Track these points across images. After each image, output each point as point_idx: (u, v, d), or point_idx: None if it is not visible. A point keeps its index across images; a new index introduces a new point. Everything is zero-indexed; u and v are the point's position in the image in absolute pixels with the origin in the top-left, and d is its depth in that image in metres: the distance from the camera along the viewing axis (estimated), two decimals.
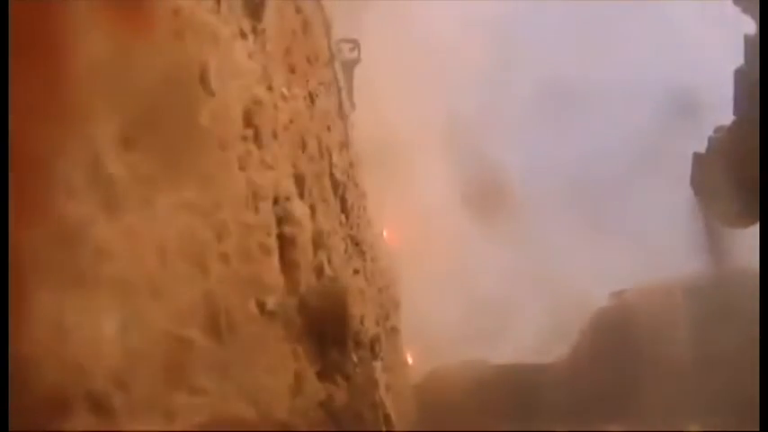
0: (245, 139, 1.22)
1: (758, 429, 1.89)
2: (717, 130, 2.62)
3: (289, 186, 1.45)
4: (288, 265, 1.28)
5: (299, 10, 2.84)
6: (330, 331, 1.36)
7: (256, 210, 1.18)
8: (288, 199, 1.31)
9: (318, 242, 1.46)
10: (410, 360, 4.60)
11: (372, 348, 2.31)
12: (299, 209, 1.36)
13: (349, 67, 4.57)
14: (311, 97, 2.47)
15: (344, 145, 3.17)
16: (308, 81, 2.54)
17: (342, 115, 3.58)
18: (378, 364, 2.51)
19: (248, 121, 1.26)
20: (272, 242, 1.23)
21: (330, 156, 2.41)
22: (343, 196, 2.44)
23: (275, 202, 1.28)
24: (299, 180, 1.60)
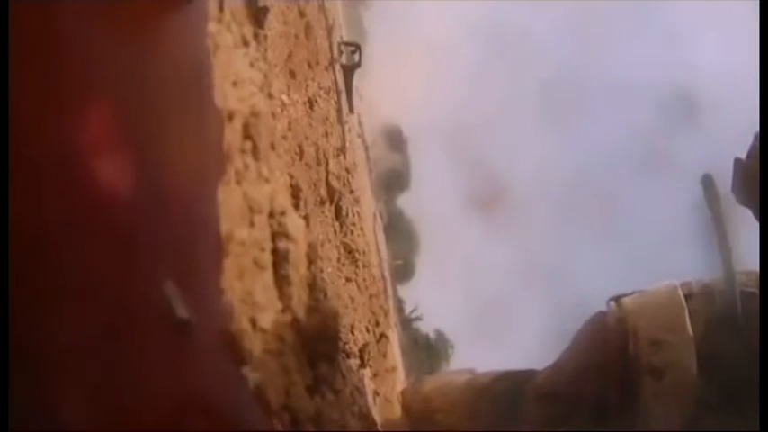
0: (242, 152, 1.22)
1: (758, 429, 1.88)
2: (757, 137, 2.60)
3: (284, 199, 1.45)
4: (280, 280, 1.28)
5: (302, 13, 2.83)
6: (321, 348, 1.35)
7: (251, 224, 1.18)
8: (283, 213, 1.30)
9: (312, 256, 1.46)
10: (401, 365, 4.59)
11: (362, 357, 2.30)
12: (294, 223, 1.35)
13: (349, 70, 4.56)
14: (311, 103, 2.46)
15: (341, 151, 3.17)
16: (307, 86, 2.53)
17: (341, 120, 3.57)
18: (366, 372, 2.51)
19: (247, 133, 1.26)
20: (267, 257, 1.23)
21: (327, 163, 2.41)
22: (338, 204, 2.44)
23: (270, 215, 1.28)
24: (295, 191, 1.60)
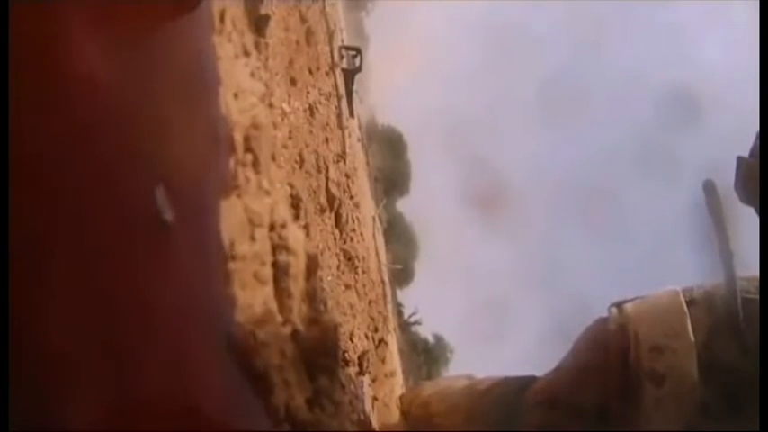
0: (243, 165, 1.22)
1: (758, 429, 1.87)
2: (758, 136, 2.59)
3: (284, 210, 1.45)
4: (281, 293, 1.28)
5: (303, 19, 2.83)
6: (321, 361, 1.35)
7: (252, 238, 1.18)
8: (283, 226, 1.30)
9: (312, 267, 1.46)
10: (400, 370, 4.59)
11: (360, 364, 2.30)
12: (295, 235, 1.35)
13: (350, 74, 4.56)
14: (311, 109, 2.46)
15: (341, 156, 3.17)
16: (308, 93, 2.53)
17: (341, 125, 3.57)
18: (365, 379, 2.51)
19: (247, 145, 1.26)
20: (267, 271, 1.23)
21: (327, 169, 2.41)
22: (337, 211, 2.44)
23: (271, 228, 1.28)
24: (295, 201, 1.60)
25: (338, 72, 4.27)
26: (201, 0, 1.32)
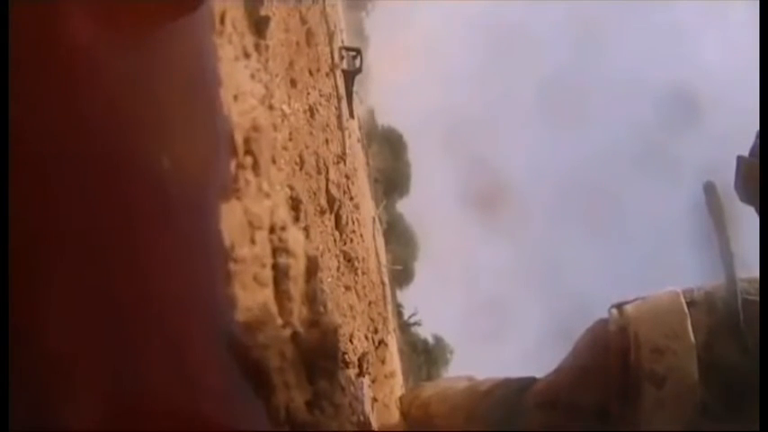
0: (243, 167, 1.22)
1: (758, 429, 1.87)
2: (758, 136, 2.58)
3: (284, 213, 1.45)
4: (281, 295, 1.28)
5: (304, 20, 2.84)
6: (321, 363, 1.36)
7: (252, 241, 1.18)
8: (283, 228, 1.31)
9: (312, 269, 1.46)
10: (400, 371, 4.60)
11: (360, 366, 2.30)
12: (295, 237, 1.36)
13: (350, 75, 4.57)
14: (311, 111, 2.47)
15: (341, 158, 3.17)
16: (308, 94, 2.54)
17: (341, 125, 3.58)
18: (365, 380, 2.51)
19: (247, 147, 1.26)
20: (267, 274, 1.23)
21: (327, 171, 2.41)
22: (337, 212, 2.44)
23: (271, 230, 1.28)
24: (295, 203, 1.60)
25: (338, 73, 4.27)
26: (202, 1, 1.33)
